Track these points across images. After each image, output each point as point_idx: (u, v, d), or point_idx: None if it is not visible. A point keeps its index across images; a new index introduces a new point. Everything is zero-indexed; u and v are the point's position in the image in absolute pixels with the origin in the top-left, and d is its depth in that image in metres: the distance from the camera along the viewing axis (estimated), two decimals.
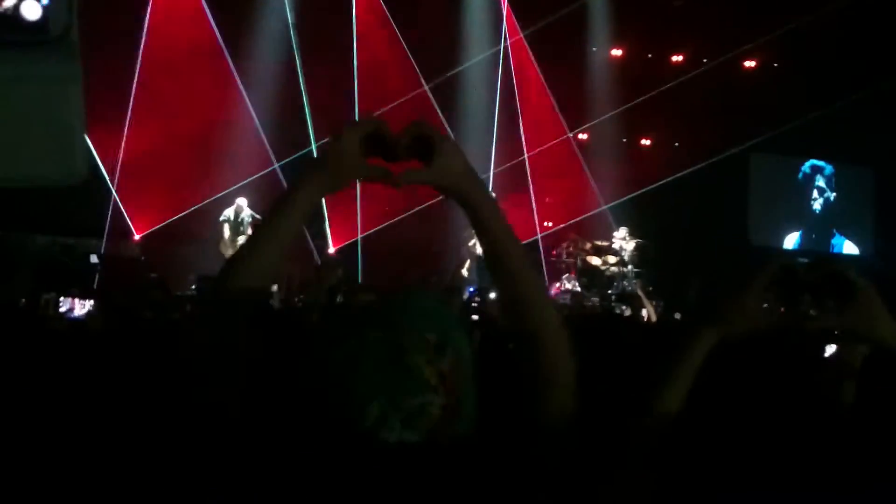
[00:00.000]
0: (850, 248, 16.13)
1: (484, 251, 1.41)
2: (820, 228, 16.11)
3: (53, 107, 0.90)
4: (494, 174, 13.56)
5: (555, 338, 1.35)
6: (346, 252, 12.65)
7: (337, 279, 6.73)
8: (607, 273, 12.38)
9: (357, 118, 1.43)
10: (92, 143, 10.46)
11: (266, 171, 12.38)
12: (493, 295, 8.09)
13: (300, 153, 12.73)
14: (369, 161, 1.36)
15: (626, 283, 11.90)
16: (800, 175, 16.08)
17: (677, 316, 9.62)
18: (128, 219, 11.64)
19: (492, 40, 14.07)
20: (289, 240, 1.37)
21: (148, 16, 11.96)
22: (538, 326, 1.35)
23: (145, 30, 11.90)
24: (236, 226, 11.31)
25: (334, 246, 12.83)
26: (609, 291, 11.85)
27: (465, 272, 11.75)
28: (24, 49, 0.84)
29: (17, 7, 0.81)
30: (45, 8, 0.81)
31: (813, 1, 12.99)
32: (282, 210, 1.37)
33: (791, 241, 15.96)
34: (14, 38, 0.83)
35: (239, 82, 12.36)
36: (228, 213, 11.32)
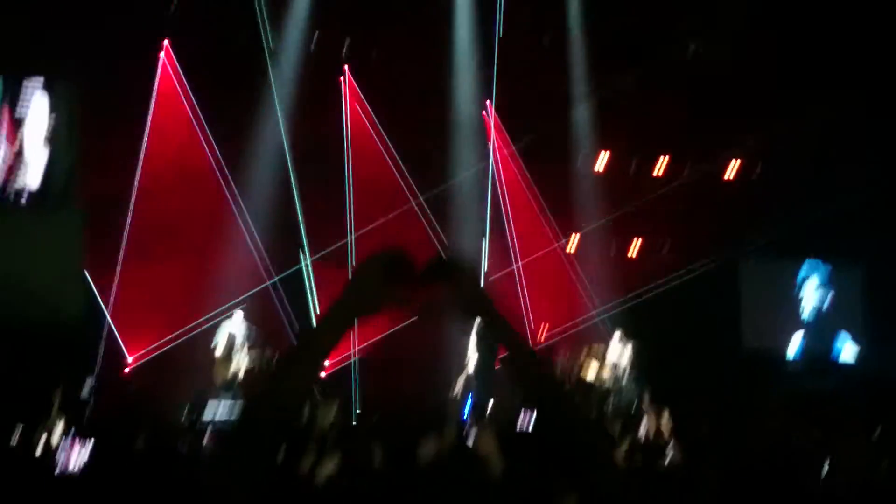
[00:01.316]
0: (848, 350, 16.10)
1: (509, 367, 1.46)
2: (821, 330, 16.10)
3: (53, 258, 0.93)
4: (487, 283, 13.64)
5: (588, 426, 1.41)
6: (341, 373, 12.48)
7: (334, 417, 6.59)
8: (603, 387, 12.31)
9: (373, 253, 1.47)
10: (87, 270, 10.49)
11: (260, 287, 12.41)
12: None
13: (293, 268, 12.82)
14: (391, 289, 1.37)
15: (623, 395, 11.84)
16: (795, 279, 16.21)
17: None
18: (121, 342, 11.55)
19: (482, 151, 14.40)
20: (315, 374, 1.38)
21: (146, 137, 12.17)
22: (573, 425, 1.40)
23: (143, 150, 12.09)
24: (231, 344, 11.23)
25: (325, 371, 12.70)
26: (606, 406, 11.77)
27: (457, 389, 11.68)
28: (30, 210, 0.88)
29: (22, 175, 0.85)
30: (45, 177, 0.85)
31: (790, 109, 13.49)
32: (309, 346, 1.38)
33: (794, 345, 15.93)
34: (20, 201, 0.87)
35: (235, 202, 12.51)
36: (223, 332, 11.25)
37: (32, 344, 7.14)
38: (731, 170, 15.44)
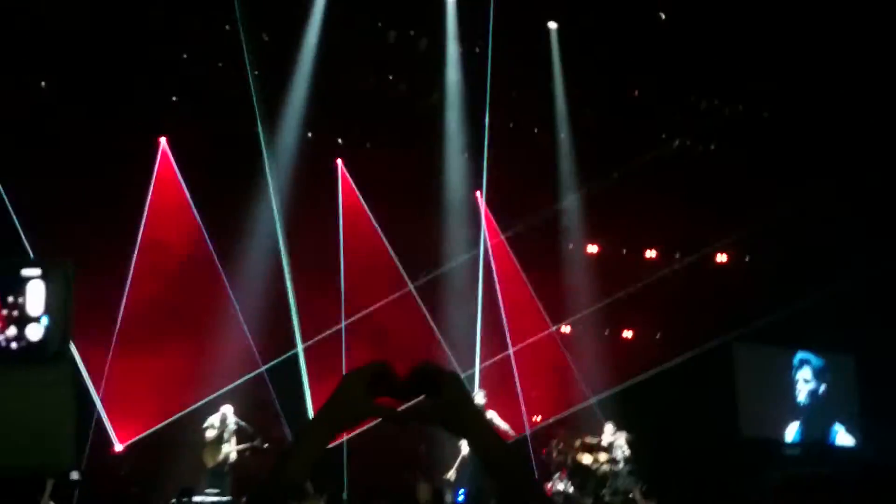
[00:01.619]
0: (843, 437, 16.00)
1: (493, 478, 1.45)
2: (817, 418, 16.04)
3: (48, 408, 1.02)
4: (481, 369, 13.60)
5: None
6: (332, 451, 12.34)
7: None
8: (599, 472, 12.12)
9: (353, 368, 1.49)
10: (79, 354, 10.48)
11: (252, 374, 12.36)
12: None
13: (286, 355, 12.79)
14: (376, 402, 1.44)
15: (619, 482, 11.64)
16: (788, 367, 16.25)
17: None
18: (110, 429, 11.41)
19: (472, 240, 14.60)
20: (305, 475, 1.43)
21: (142, 227, 12.38)
22: None
23: (138, 240, 12.28)
24: (220, 434, 11.08)
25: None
26: (603, 492, 11.56)
27: (451, 475, 11.50)
28: (28, 362, 0.98)
29: (22, 329, 0.95)
30: (45, 333, 0.96)
31: (779, 199, 13.80)
32: (294, 452, 1.43)
33: (791, 432, 15.82)
34: (22, 355, 0.97)
35: (228, 288, 12.59)
36: (213, 420, 11.12)
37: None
38: (721, 258, 15.69)
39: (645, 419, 13.11)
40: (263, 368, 12.42)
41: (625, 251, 15.83)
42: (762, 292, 14.45)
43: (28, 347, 0.88)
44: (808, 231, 14.19)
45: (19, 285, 0.91)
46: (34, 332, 0.89)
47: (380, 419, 1.47)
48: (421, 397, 1.46)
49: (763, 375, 15.97)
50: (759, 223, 13.97)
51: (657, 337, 15.58)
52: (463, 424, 1.45)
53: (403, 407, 1.47)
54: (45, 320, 0.90)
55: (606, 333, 15.32)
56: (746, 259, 15.97)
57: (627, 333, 16.00)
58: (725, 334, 14.56)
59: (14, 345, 0.87)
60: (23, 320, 0.89)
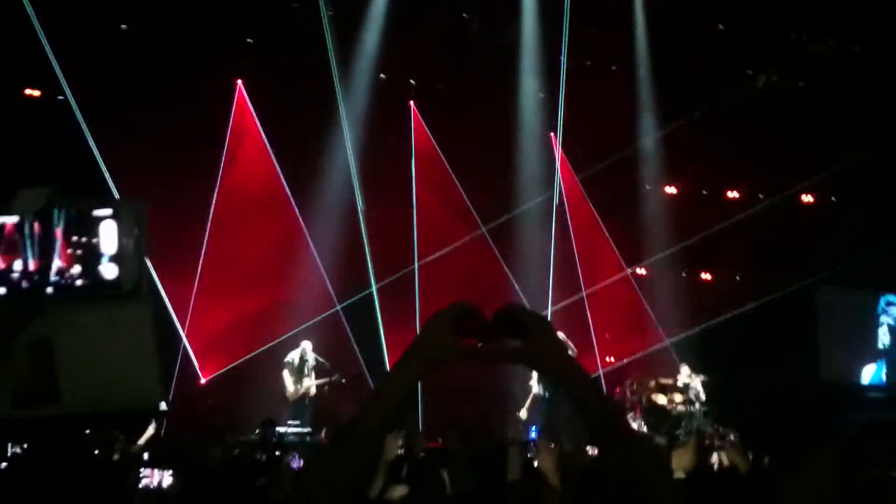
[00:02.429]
0: None
1: (583, 419, 1.44)
2: None
3: (132, 345, 1.05)
4: (553, 312, 13.59)
5: (662, 481, 1.37)
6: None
7: (401, 444, 6.57)
8: (674, 412, 12.08)
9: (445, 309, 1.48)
10: (165, 292, 10.91)
11: (328, 312, 12.66)
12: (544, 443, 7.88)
13: (361, 295, 13.03)
14: (460, 342, 1.43)
15: (694, 422, 11.58)
16: (873, 310, 15.71)
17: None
18: (195, 363, 11.91)
19: (546, 181, 14.44)
20: (389, 422, 1.44)
21: (220, 169, 12.66)
22: (646, 476, 1.38)
23: (218, 182, 12.58)
24: (300, 369, 11.43)
25: None
26: (677, 432, 11.52)
27: (523, 413, 11.63)
28: (109, 301, 1.01)
29: (97, 268, 0.99)
30: (119, 270, 0.99)
31: (866, 135, 13.16)
32: (380, 395, 1.45)
33: (868, 373, 15.40)
34: (97, 292, 1.00)
35: (304, 229, 12.84)
36: (293, 355, 11.47)
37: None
38: (806, 199, 15.13)
39: (722, 362, 12.94)
40: (339, 307, 12.69)
41: (705, 192, 15.42)
42: (848, 234, 13.89)
43: (103, 285, 0.93)
44: None
45: (91, 225, 0.95)
46: (109, 271, 0.94)
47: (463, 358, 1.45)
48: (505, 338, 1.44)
49: (846, 318, 15.48)
50: (846, 163, 13.38)
51: (737, 279, 15.24)
52: (552, 365, 1.44)
53: (488, 346, 1.45)
54: (117, 259, 0.95)
55: (684, 275, 15.05)
56: (833, 200, 15.35)
57: (706, 275, 15.69)
58: (808, 277, 14.12)
59: (80, 282, 0.92)
60: (95, 259, 0.94)
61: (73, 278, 1.00)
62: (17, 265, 0.99)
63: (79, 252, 1.00)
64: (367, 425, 1.43)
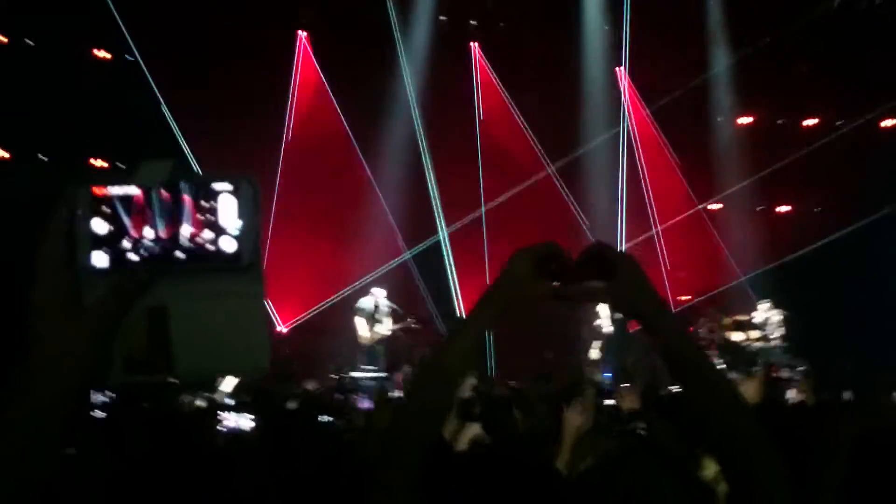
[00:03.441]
0: None
1: (665, 362, 1.39)
2: None
3: (243, 316, 1.08)
4: (624, 250, 13.41)
5: (754, 435, 1.33)
6: None
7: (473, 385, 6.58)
8: (750, 349, 11.87)
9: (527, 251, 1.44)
10: None
11: (398, 259, 12.77)
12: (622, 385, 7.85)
13: (429, 241, 13.10)
14: (543, 281, 1.39)
15: (772, 358, 11.36)
16: None
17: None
18: (274, 312, 12.21)
19: (614, 116, 14.13)
20: (470, 359, 1.44)
21: (288, 119, 12.78)
22: (733, 429, 1.33)
23: (285, 134, 12.70)
24: (373, 315, 11.58)
25: None
26: (754, 369, 11.32)
27: (594, 353, 11.57)
28: (223, 273, 1.04)
29: (218, 242, 1.01)
30: (238, 244, 1.01)
31: None
32: (462, 332, 1.45)
33: None
34: (216, 265, 1.03)
35: (371, 177, 12.91)
36: (366, 302, 11.61)
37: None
38: (886, 123, 14.42)
39: (802, 296, 12.58)
40: (409, 254, 12.78)
41: (780, 121, 14.85)
42: None
43: (224, 257, 0.96)
44: None
45: (212, 196, 0.97)
46: (228, 245, 0.96)
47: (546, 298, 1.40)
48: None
49: None
50: None
51: (816, 210, 14.72)
52: (639, 306, 1.38)
53: (573, 286, 1.39)
54: (237, 233, 0.97)
55: (759, 209, 14.62)
56: None
57: (783, 208, 15.21)
58: (891, 205, 13.53)
59: (211, 247, 0.94)
60: (217, 230, 0.96)
61: (205, 242, 1.03)
62: (149, 233, 1.03)
63: (209, 217, 1.03)
64: (448, 361, 1.42)
